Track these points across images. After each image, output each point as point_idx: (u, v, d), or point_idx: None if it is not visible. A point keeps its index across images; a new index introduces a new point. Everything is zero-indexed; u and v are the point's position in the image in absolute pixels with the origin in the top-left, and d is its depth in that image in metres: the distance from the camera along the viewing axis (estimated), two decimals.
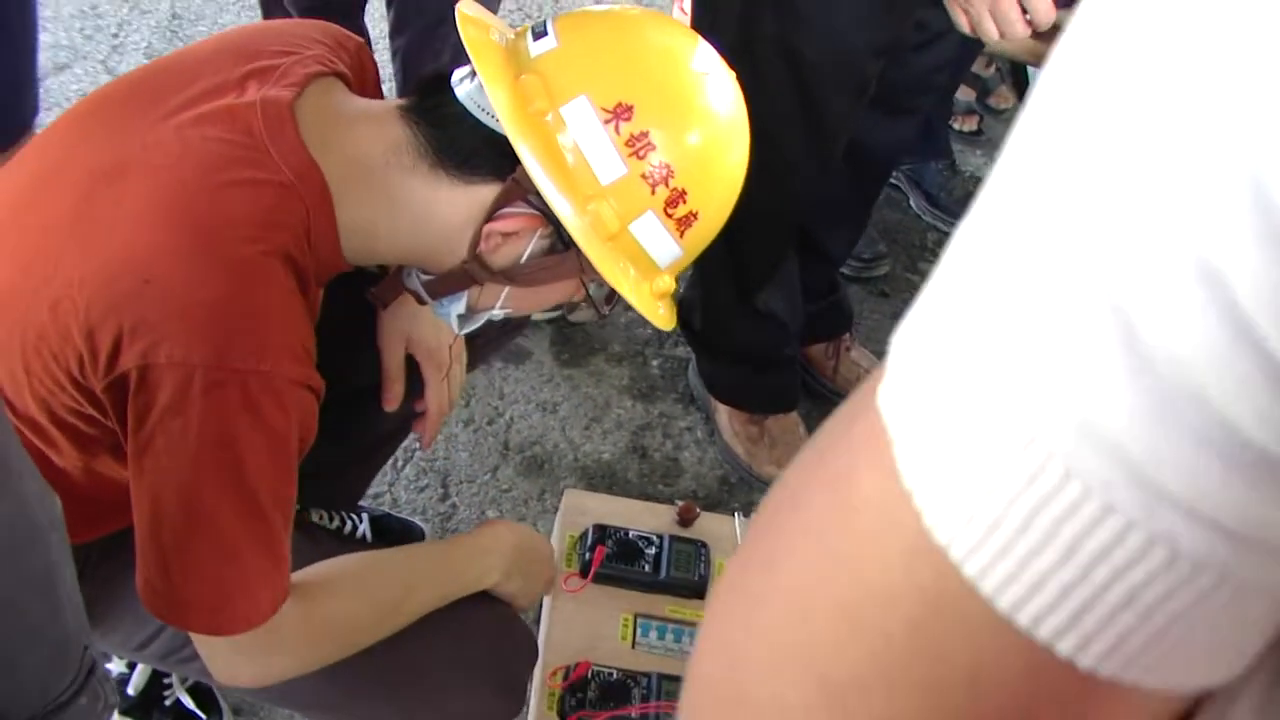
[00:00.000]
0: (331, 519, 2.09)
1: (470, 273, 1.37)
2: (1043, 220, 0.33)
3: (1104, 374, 0.31)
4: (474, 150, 1.30)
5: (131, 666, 1.98)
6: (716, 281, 2.48)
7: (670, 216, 1.29)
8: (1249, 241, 0.27)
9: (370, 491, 2.32)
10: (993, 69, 3.93)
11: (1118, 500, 0.31)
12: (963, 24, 1.76)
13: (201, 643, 1.33)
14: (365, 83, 1.48)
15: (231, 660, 1.34)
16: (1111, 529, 0.32)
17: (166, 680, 1.99)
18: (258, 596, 1.26)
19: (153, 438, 1.18)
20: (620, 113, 1.25)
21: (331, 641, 1.42)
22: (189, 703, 1.99)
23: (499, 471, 2.56)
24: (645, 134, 1.25)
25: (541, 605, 2.21)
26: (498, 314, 1.45)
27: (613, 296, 1.45)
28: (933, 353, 0.36)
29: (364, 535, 2.26)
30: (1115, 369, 0.31)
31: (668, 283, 1.37)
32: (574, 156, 1.25)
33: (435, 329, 1.70)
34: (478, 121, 1.29)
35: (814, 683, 0.40)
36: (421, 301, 1.48)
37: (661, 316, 1.39)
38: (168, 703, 1.99)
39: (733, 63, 1.55)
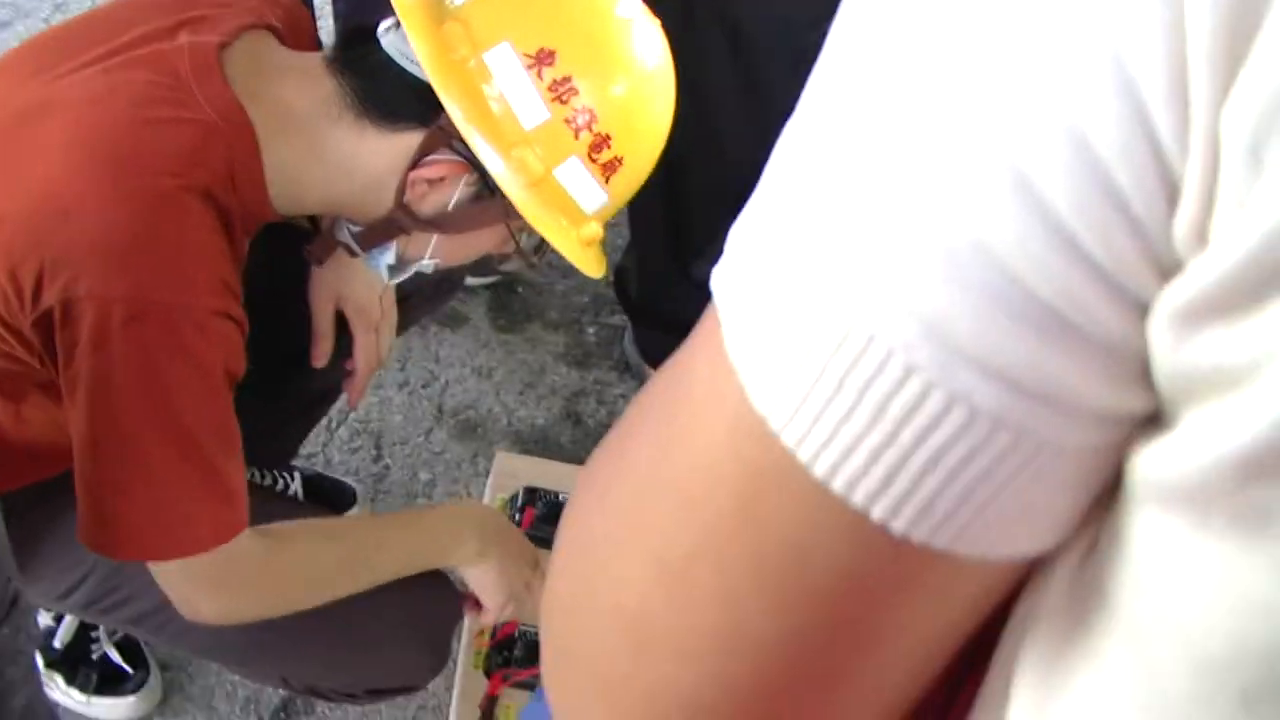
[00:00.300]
0: (264, 477, 2.09)
1: (397, 221, 1.38)
2: (856, 110, 0.35)
3: (906, 245, 0.32)
4: (398, 98, 1.31)
5: (58, 620, 1.97)
6: (654, 250, 2.49)
7: (595, 161, 1.30)
8: (1050, 131, 0.30)
9: (303, 451, 2.32)
10: None
11: (918, 360, 0.33)
12: None
13: (163, 578, 1.33)
14: (300, 39, 1.48)
15: (188, 592, 1.34)
16: (914, 390, 0.33)
17: (94, 634, 1.99)
18: (195, 526, 1.27)
19: (80, 372, 1.19)
20: (543, 58, 1.26)
21: (296, 585, 1.43)
22: (116, 657, 1.99)
23: (432, 434, 2.57)
24: (568, 79, 1.26)
25: None
26: (428, 265, 1.45)
27: (542, 245, 1.45)
28: (757, 237, 0.38)
29: (296, 494, 2.26)
30: (917, 240, 0.32)
31: (595, 229, 1.37)
32: (497, 103, 1.25)
33: (366, 286, 1.70)
34: (402, 70, 1.30)
35: (652, 561, 0.41)
36: (352, 254, 1.49)
37: (589, 262, 1.39)
38: (94, 656, 1.99)
39: (672, 31, 1.56)
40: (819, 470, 0.35)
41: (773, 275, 0.36)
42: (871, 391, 0.34)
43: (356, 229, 1.43)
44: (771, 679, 0.41)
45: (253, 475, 2.01)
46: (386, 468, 2.48)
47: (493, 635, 1.97)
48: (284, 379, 1.69)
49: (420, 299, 1.84)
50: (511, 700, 1.90)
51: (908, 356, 0.33)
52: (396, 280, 1.51)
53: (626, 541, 0.43)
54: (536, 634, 1.94)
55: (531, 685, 1.91)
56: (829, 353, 0.34)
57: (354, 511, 2.32)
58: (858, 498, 0.35)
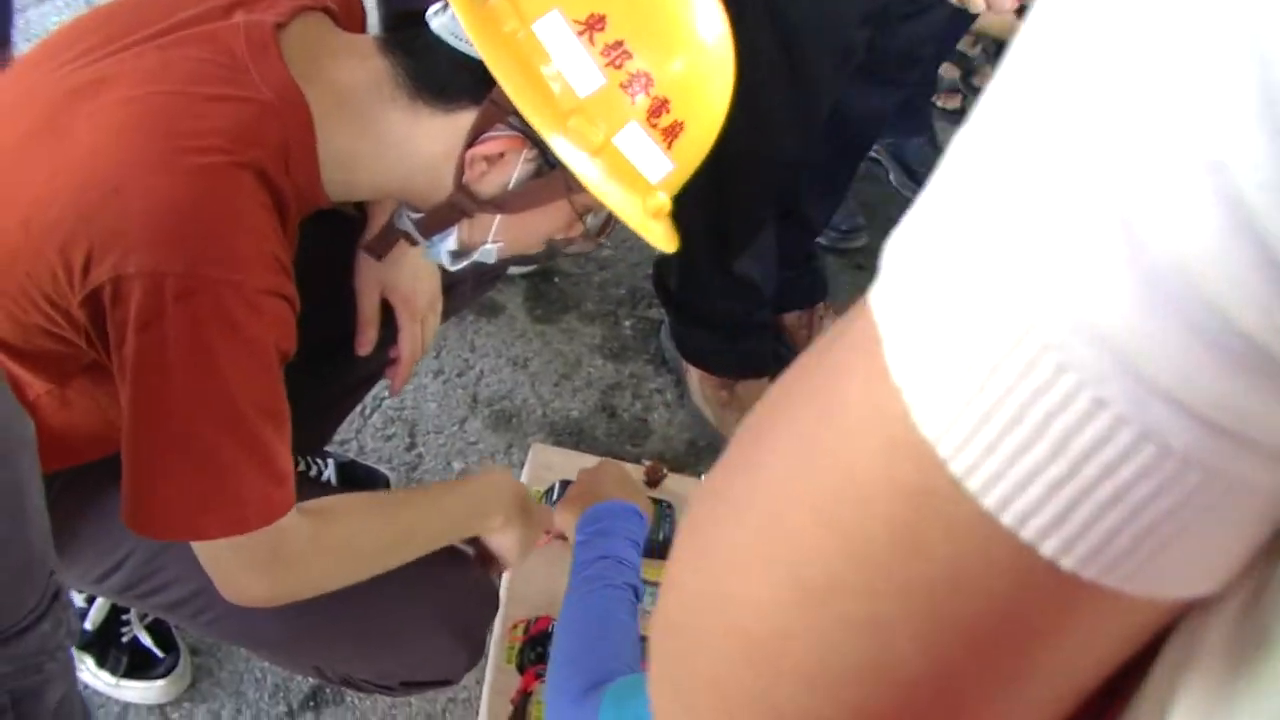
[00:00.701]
0: (297, 463, 2.07)
1: (458, 205, 1.35)
2: (1041, 120, 0.32)
3: (1101, 267, 0.30)
4: (450, 77, 1.28)
5: (90, 602, 1.96)
6: (695, 244, 2.45)
7: (655, 126, 1.27)
8: (1255, 129, 0.27)
9: (337, 438, 2.31)
10: (978, 48, 3.93)
11: (1110, 394, 0.31)
12: None
13: (211, 560, 1.31)
14: (353, 22, 1.46)
15: (236, 573, 1.33)
16: (1102, 424, 0.31)
17: (124, 617, 1.98)
18: (244, 505, 1.25)
19: (132, 351, 1.16)
20: (593, 23, 1.22)
21: (341, 563, 1.42)
22: (146, 640, 1.98)
23: (466, 424, 2.55)
24: (620, 43, 1.23)
25: None
26: (490, 250, 1.42)
27: (607, 225, 1.43)
28: (928, 253, 0.36)
29: (329, 480, 2.25)
30: (1112, 262, 0.30)
31: (662, 200, 1.34)
32: (550, 73, 1.23)
33: (412, 276, 1.68)
34: (453, 48, 1.27)
35: (790, 584, 0.39)
36: (413, 242, 1.47)
37: (659, 235, 1.35)
38: (125, 639, 1.98)
39: None
40: (988, 501, 0.34)
41: (947, 295, 0.34)
42: (1056, 424, 0.32)
43: (417, 216, 1.41)
44: (914, 710, 0.39)
45: None
46: (420, 456, 2.47)
47: (526, 630, 1.95)
48: (323, 364, 1.67)
49: (464, 288, 1.82)
50: (545, 696, 1.88)
51: (1098, 390, 0.31)
52: (458, 268, 1.48)
53: (759, 562, 0.41)
54: None
55: None
56: (1010, 381, 0.32)
57: None
58: (1028, 532, 0.34)
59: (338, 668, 1.61)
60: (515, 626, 1.95)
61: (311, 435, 2.08)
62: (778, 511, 0.40)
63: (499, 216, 1.37)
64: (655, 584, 2.07)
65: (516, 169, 1.32)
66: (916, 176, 3.45)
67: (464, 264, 1.47)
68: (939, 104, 3.77)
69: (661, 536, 2.11)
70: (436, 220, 1.39)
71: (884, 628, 0.38)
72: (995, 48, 3.94)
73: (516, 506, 1.64)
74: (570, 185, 1.30)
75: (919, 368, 0.35)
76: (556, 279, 2.91)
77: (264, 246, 1.21)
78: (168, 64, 1.24)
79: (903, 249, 0.37)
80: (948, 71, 3.81)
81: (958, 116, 3.84)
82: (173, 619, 1.75)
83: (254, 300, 1.19)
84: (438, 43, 1.28)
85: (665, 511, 2.15)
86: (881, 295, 0.37)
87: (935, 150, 3.48)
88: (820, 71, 2.10)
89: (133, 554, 1.45)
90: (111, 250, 1.14)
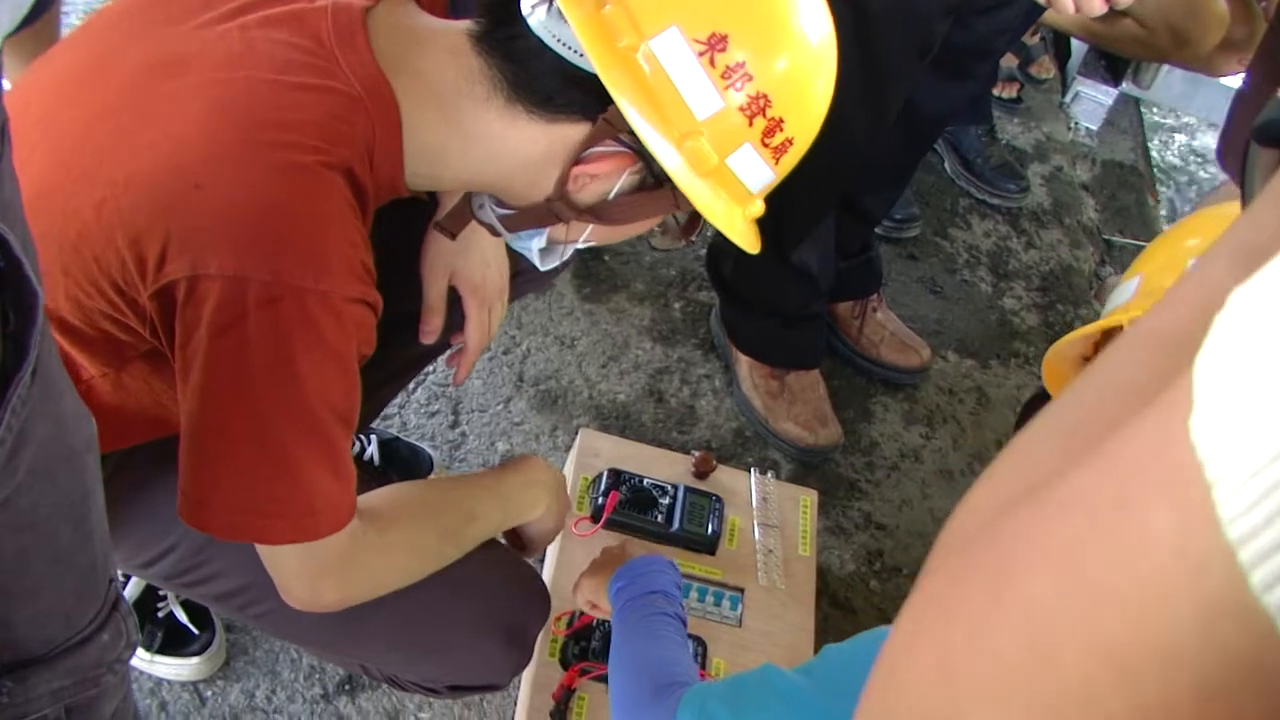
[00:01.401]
0: None
1: (555, 211, 1.30)
2: None
3: None
4: (557, 89, 1.22)
5: (127, 577, 1.93)
6: None
7: (767, 146, 1.23)
8: None
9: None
10: (1037, 37, 3.88)
11: None
12: None
13: (280, 567, 1.28)
14: (435, 3, 1.40)
15: (311, 582, 1.30)
16: None
17: (161, 592, 1.95)
18: (315, 512, 1.22)
19: (203, 351, 1.12)
20: (714, 43, 1.17)
21: (408, 561, 1.40)
22: (182, 617, 1.94)
23: (511, 403, 2.51)
24: (741, 64, 1.17)
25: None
26: (580, 246, 1.38)
27: (696, 222, 1.38)
28: (1268, 380, 0.31)
29: (372, 457, 2.22)
30: None
31: (759, 207, 1.31)
32: (667, 92, 1.17)
33: (482, 263, 1.64)
34: (558, 56, 1.20)
35: None
36: (496, 234, 1.42)
37: (751, 242, 1.32)
38: (160, 615, 1.94)
39: None
40: None
41: None
42: None
43: (505, 212, 1.36)
44: None
45: None
46: (463, 434, 2.42)
47: (569, 624, 1.91)
48: (382, 346, 1.63)
49: (529, 276, 1.77)
50: (588, 693, 1.84)
51: None
52: (550, 266, 1.44)
53: (1016, 695, 0.37)
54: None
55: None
56: None
57: (433, 479, 2.27)
58: None
59: (384, 668, 1.57)
60: (559, 619, 1.91)
61: (361, 413, 2.04)
62: (1045, 645, 0.37)
63: (594, 224, 1.32)
64: (704, 580, 2.03)
65: (620, 181, 1.28)
66: (971, 166, 3.40)
67: (554, 262, 1.44)
68: (996, 93, 3.72)
69: (709, 531, 2.07)
70: (527, 220, 1.34)
71: None
72: (1054, 38, 3.89)
73: (555, 495, 1.64)
74: (677, 200, 1.27)
75: (1260, 522, 0.31)
76: (606, 257, 2.86)
77: (351, 253, 1.17)
78: (252, 46, 1.19)
79: (1226, 371, 0.33)
80: (1006, 60, 3.75)
81: (1015, 105, 3.79)
82: (218, 609, 1.72)
83: (339, 309, 1.14)
84: (540, 48, 1.21)
85: (715, 505, 2.11)
86: (1205, 428, 0.33)
87: (993, 141, 3.43)
88: (897, 65, 2.05)
89: (182, 542, 1.41)
90: (189, 247, 1.10)
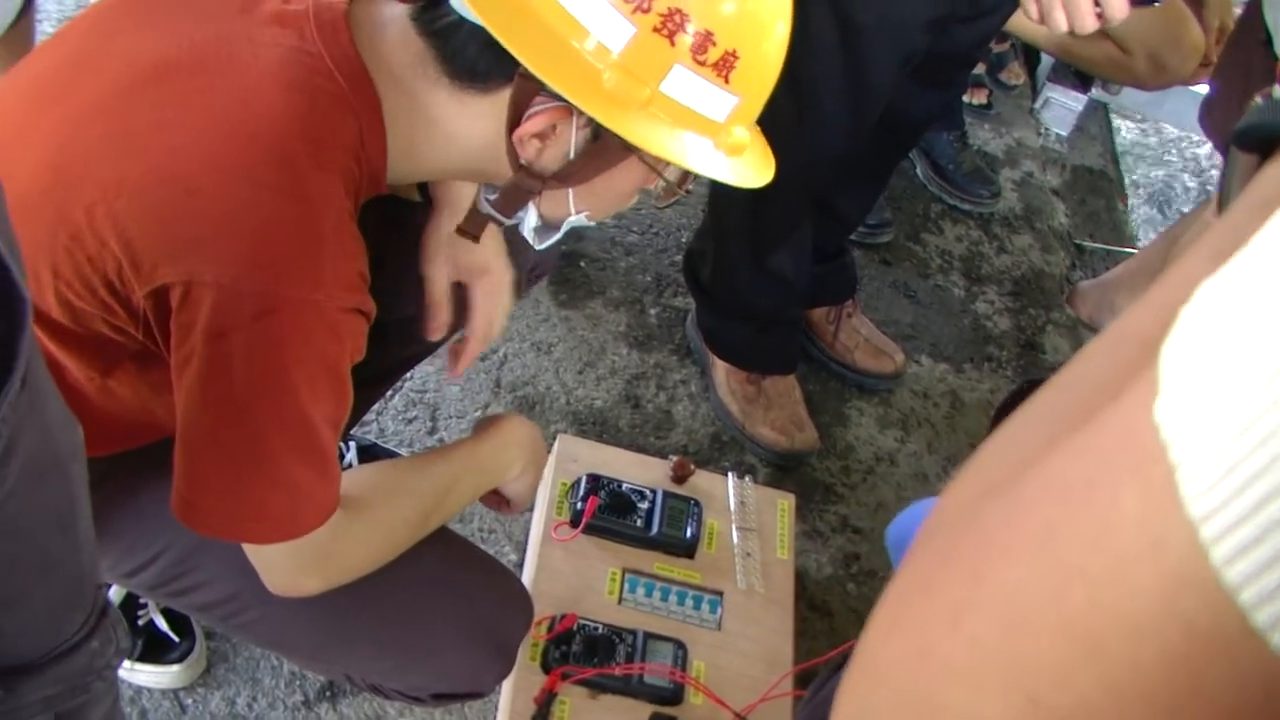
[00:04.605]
0: None
1: (523, 184, 1.28)
2: None
3: None
4: (477, 58, 1.20)
5: (107, 585, 1.93)
6: (730, 237, 2.43)
7: (703, 63, 1.16)
8: None
9: None
10: (1006, 44, 3.90)
11: None
12: (1032, 11, 1.69)
13: (264, 562, 1.29)
14: None
15: (294, 576, 1.30)
16: None
17: (142, 600, 1.94)
18: (300, 514, 1.22)
19: (198, 356, 1.12)
20: None
21: (383, 546, 1.39)
22: (162, 625, 1.94)
23: (489, 409, 2.51)
24: None
25: (526, 552, 2.18)
26: (579, 219, 1.36)
27: (685, 173, 1.32)
28: (1226, 369, 0.33)
29: (351, 464, 2.21)
30: None
31: (741, 134, 1.24)
32: (572, 33, 1.13)
33: (483, 246, 1.60)
34: (474, 26, 1.17)
35: (1022, 701, 0.37)
36: (500, 223, 1.40)
37: (742, 173, 1.27)
38: (141, 623, 1.94)
39: None
40: None
41: (1261, 414, 0.32)
42: None
43: (493, 197, 1.35)
44: None
45: None
46: (441, 440, 2.43)
47: (550, 628, 1.92)
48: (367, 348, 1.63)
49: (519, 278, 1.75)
50: (569, 697, 1.85)
51: None
52: (548, 244, 1.41)
53: (991, 676, 0.38)
54: (594, 629, 1.91)
55: (593, 685, 1.86)
56: None
57: None
58: None
59: (368, 677, 1.57)
60: (540, 624, 1.92)
61: (361, 405, 2.04)
62: (1020, 626, 0.38)
63: (570, 189, 1.31)
64: (683, 584, 2.04)
65: (572, 137, 1.24)
66: (943, 172, 3.43)
67: (554, 238, 1.40)
68: (966, 99, 3.74)
69: (689, 535, 2.08)
70: (509, 201, 1.33)
71: None
72: (1022, 45, 3.91)
73: (532, 452, 1.62)
74: (628, 147, 1.21)
75: (1220, 496, 0.32)
76: (583, 263, 2.87)
77: (346, 262, 1.17)
78: (237, 49, 1.18)
79: (1189, 357, 0.35)
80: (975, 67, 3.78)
81: (985, 111, 3.81)
82: (202, 618, 1.72)
83: (334, 319, 1.14)
84: (459, 21, 1.19)
85: (693, 509, 2.12)
86: (1169, 410, 0.34)
87: (964, 145, 3.45)
88: (880, 74, 2.07)
89: (166, 551, 1.41)
90: (184, 253, 1.10)
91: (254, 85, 1.16)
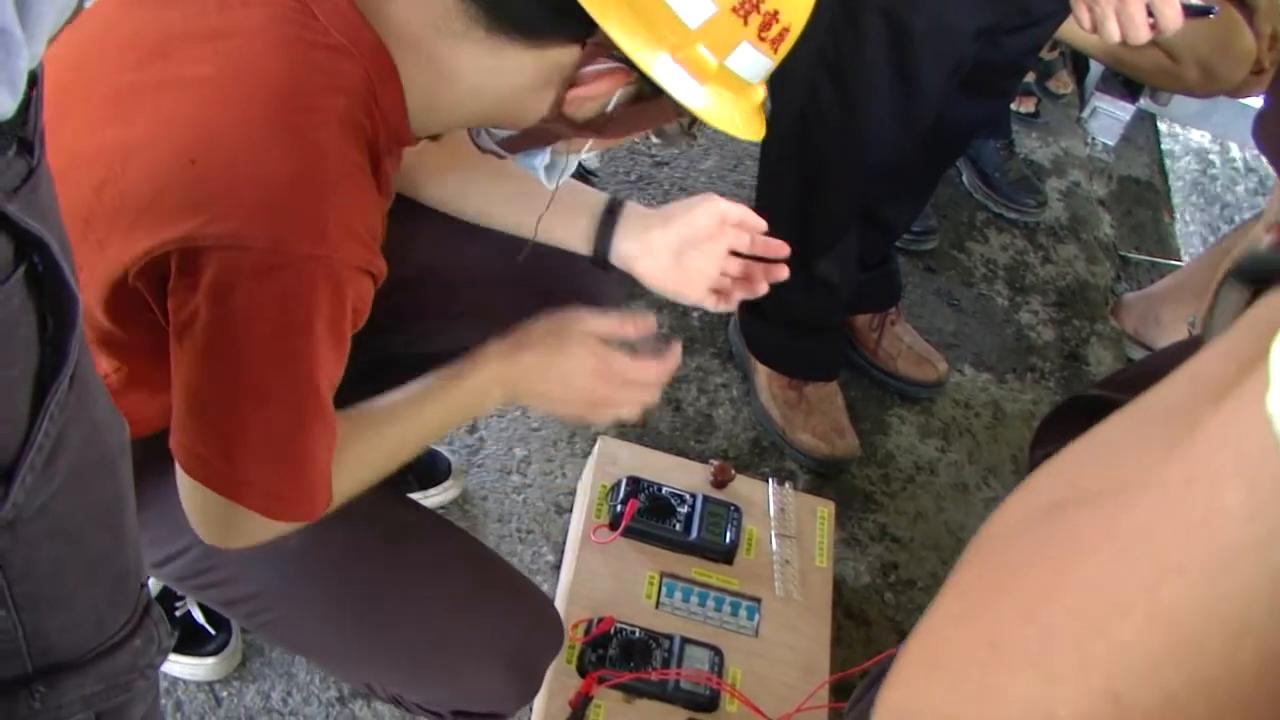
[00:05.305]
0: None
1: (554, 130, 1.28)
2: None
3: None
4: (537, 15, 1.18)
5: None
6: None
7: (764, 40, 1.19)
8: None
9: None
10: (1055, 52, 3.87)
11: None
12: (1085, 20, 1.68)
13: (198, 509, 1.26)
14: None
15: (227, 538, 1.28)
16: None
17: (179, 592, 1.95)
18: (315, 496, 1.22)
19: (199, 319, 1.11)
20: None
21: (352, 484, 1.35)
22: (199, 617, 1.94)
23: (529, 409, 2.50)
24: None
25: (564, 553, 2.17)
26: (586, 157, 1.37)
27: (697, 123, 1.32)
28: None
29: None
30: None
31: (760, 94, 1.27)
32: (655, 6, 1.13)
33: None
34: None
35: (1101, 696, 0.36)
36: (501, 157, 1.39)
37: (756, 130, 1.28)
38: (178, 614, 1.94)
39: (834, 27, 1.44)
40: None
41: None
42: None
43: (504, 134, 1.34)
44: None
45: None
46: (481, 440, 2.43)
47: (588, 630, 1.91)
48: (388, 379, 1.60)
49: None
50: (605, 700, 1.84)
51: None
52: (555, 182, 1.42)
53: (1062, 669, 0.37)
54: (631, 633, 1.90)
55: (628, 689, 1.86)
56: None
57: (448, 484, 2.27)
58: None
59: (390, 688, 1.56)
60: (576, 626, 1.91)
61: None
62: (1103, 619, 0.37)
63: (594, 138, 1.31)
64: (721, 590, 2.03)
65: (617, 95, 1.25)
66: (989, 180, 3.40)
67: (561, 178, 1.41)
68: (1014, 107, 3.71)
69: (727, 540, 2.07)
70: (528, 140, 1.32)
71: None
72: (1071, 53, 3.88)
73: (520, 382, 1.48)
74: (678, 109, 1.22)
75: None
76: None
77: (353, 217, 1.15)
78: (230, 17, 1.17)
79: None
80: None
81: (1033, 120, 3.78)
82: (228, 613, 1.71)
83: (339, 277, 1.12)
84: None
85: (732, 515, 2.11)
86: None
87: (1011, 154, 3.43)
88: (931, 82, 2.05)
89: (195, 545, 1.39)
90: (185, 219, 1.08)
91: (247, 47, 1.15)
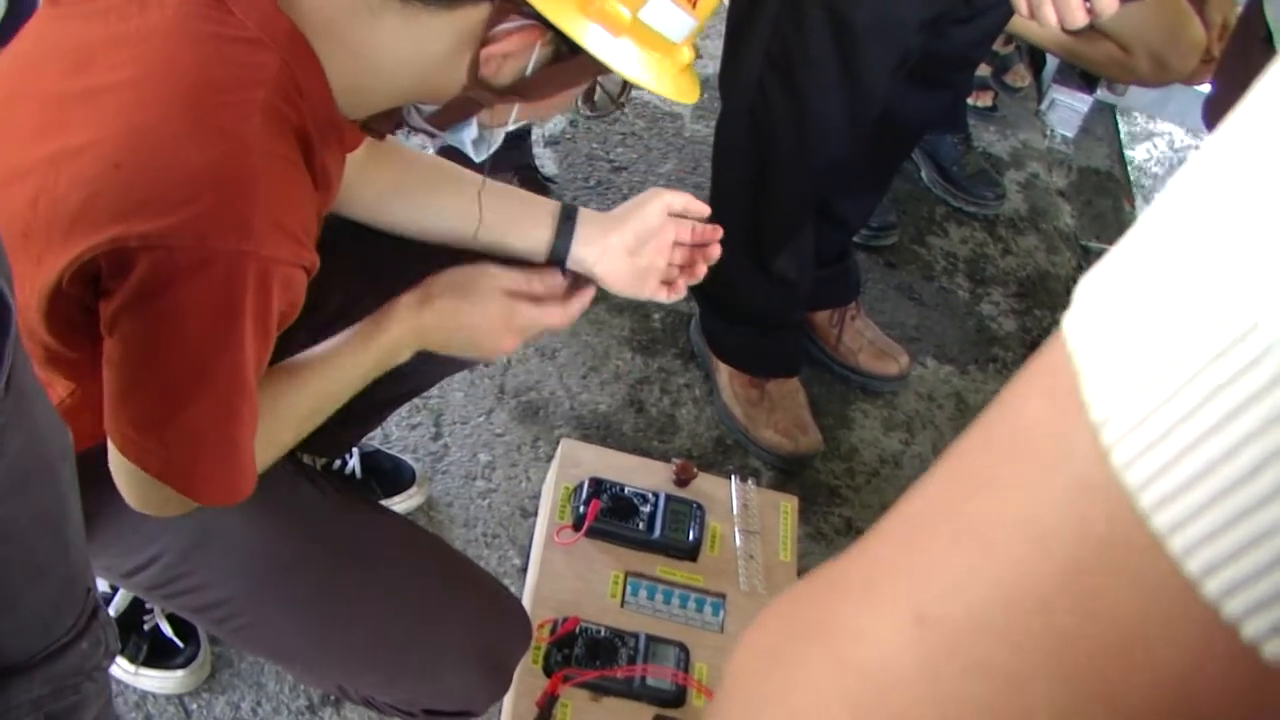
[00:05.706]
0: (318, 459, 2.04)
1: (475, 98, 1.29)
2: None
3: None
4: None
5: (114, 589, 1.94)
6: (733, 242, 2.42)
7: None
8: None
9: None
10: (1011, 46, 3.90)
11: None
12: (1021, 8, 1.69)
13: (129, 483, 1.26)
14: None
15: (162, 508, 1.29)
16: None
17: (147, 605, 1.95)
18: (242, 476, 1.24)
19: (127, 315, 1.12)
20: None
21: (279, 440, 1.37)
22: (167, 629, 1.95)
23: (493, 415, 2.52)
24: None
25: (529, 555, 2.18)
26: (512, 128, 1.38)
27: (626, 87, 1.36)
28: (1132, 283, 0.33)
29: (353, 470, 2.22)
30: None
31: (687, 55, 1.29)
32: None
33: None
34: None
35: (909, 617, 0.36)
36: (433, 135, 1.39)
37: (685, 92, 1.30)
38: (146, 627, 1.95)
39: (779, 25, 1.45)
40: (1193, 567, 0.30)
41: (1154, 318, 0.31)
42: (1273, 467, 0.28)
43: (430, 109, 1.34)
44: None
45: (311, 460, 1.93)
46: (445, 446, 2.44)
47: (553, 630, 1.92)
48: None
49: None
50: (571, 700, 1.85)
51: None
52: (484, 156, 1.42)
53: (880, 593, 0.38)
54: (597, 632, 1.91)
55: (594, 688, 1.87)
56: (1235, 402, 0.29)
57: (413, 490, 2.28)
58: (1211, 586, 0.30)
59: (361, 689, 1.57)
60: (542, 627, 1.92)
61: (340, 440, 2.04)
62: (916, 537, 0.37)
63: (519, 103, 1.31)
64: (686, 587, 2.04)
65: (534, 55, 1.26)
66: (948, 175, 3.42)
67: (489, 150, 1.42)
68: (971, 101, 3.74)
69: (690, 538, 2.08)
70: (452, 114, 1.33)
71: (1020, 686, 0.34)
72: (1028, 46, 3.91)
73: (422, 333, 1.49)
74: (597, 66, 1.24)
75: (1118, 400, 0.32)
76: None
77: (279, 210, 1.15)
78: (148, 19, 1.16)
79: (1100, 280, 0.34)
80: (980, 69, 3.77)
81: (990, 113, 3.81)
82: (197, 621, 1.72)
83: (266, 271, 1.13)
84: None
85: (696, 512, 2.12)
86: (1076, 321, 0.34)
87: (969, 148, 3.45)
88: (876, 77, 2.07)
89: (166, 552, 1.41)
90: (112, 223, 1.08)
91: (162, 47, 1.15)
